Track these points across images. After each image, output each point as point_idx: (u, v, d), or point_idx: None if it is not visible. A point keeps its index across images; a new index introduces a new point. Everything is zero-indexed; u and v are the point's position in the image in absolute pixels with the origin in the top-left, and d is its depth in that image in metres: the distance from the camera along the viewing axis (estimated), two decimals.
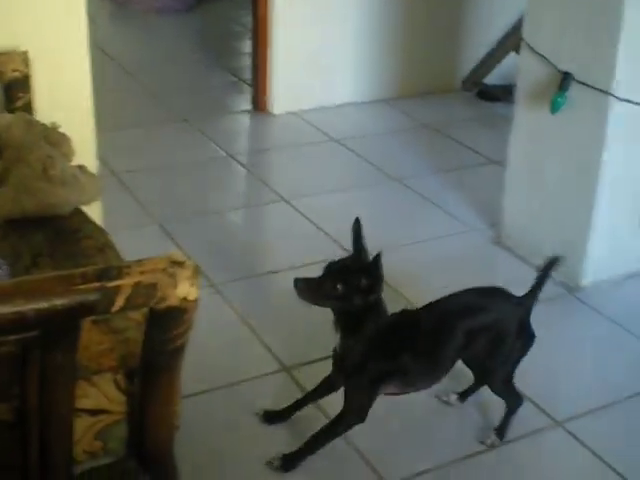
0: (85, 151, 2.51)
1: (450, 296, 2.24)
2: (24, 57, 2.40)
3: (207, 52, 5.59)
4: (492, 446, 2.29)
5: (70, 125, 2.39)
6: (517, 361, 2.24)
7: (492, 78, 4.90)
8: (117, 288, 1.24)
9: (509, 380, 2.26)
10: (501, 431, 2.31)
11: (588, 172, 2.90)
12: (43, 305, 1.20)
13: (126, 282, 1.24)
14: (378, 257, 1.99)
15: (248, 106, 4.63)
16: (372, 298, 2.04)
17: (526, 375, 2.35)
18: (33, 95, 2.43)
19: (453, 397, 2.44)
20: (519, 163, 3.19)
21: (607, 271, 3.04)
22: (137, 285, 1.25)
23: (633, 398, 2.53)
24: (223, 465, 2.21)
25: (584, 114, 2.86)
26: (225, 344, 2.67)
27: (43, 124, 2.31)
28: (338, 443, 2.19)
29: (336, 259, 2.09)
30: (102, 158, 3.53)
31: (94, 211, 2.43)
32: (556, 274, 2.32)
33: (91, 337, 1.60)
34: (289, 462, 2.18)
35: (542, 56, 2.95)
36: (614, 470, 2.25)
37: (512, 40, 4.53)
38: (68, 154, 2.31)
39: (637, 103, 2.78)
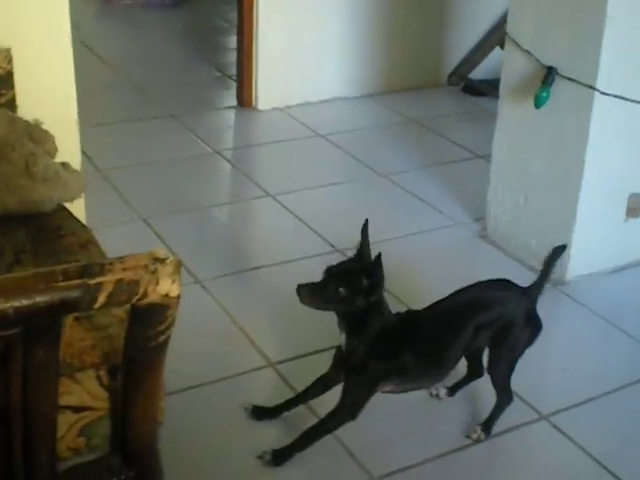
0: (68, 148, 2.50)
1: (455, 293, 2.25)
2: (6, 54, 2.39)
3: (193, 47, 5.58)
4: (478, 441, 2.30)
5: (53, 122, 2.38)
6: (522, 352, 2.26)
7: (477, 73, 4.91)
8: (99, 285, 1.24)
9: (511, 371, 2.27)
10: (488, 426, 2.32)
11: (572, 166, 2.91)
12: (24, 302, 1.19)
13: (108, 279, 1.24)
14: (379, 258, 2.00)
15: (233, 102, 4.62)
16: (374, 298, 2.06)
17: None
18: (16, 92, 2.42)
19: (443, 391, 2.44)
20: (504, 157, 3.19)
21: (592, 265, 3.05)
22: (119, 282, 1.25)
23: (618, 391, 2.54)
24: (213, 460, 2.21)
25: (568, 108, 2.87)
26: (211, 340, 2.67)
27: (26, 121, 2.30)
28: (326, 438, 2.19)
29: (334, 262, 2.10)
30: (87, 155, 3.54)
31: (78, 208, 2.42)
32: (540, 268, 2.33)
33: (74, 334, 1.60)
34: (280, 457, 2.18)
35: (526, 51, 2.95)
36: (599, 463, 2.26)
37: (497, 35, 4.54)
38: (51, 151, 2.30)
39: (621, 97, 2.79)
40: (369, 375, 2.13)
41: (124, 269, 1.25)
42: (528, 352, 2.27)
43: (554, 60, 2.86)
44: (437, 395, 2.44)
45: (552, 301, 2.85)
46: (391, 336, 2.12)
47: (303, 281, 2.05)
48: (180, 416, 2.25)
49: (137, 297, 1.28)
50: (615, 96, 2.78)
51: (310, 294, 2.04)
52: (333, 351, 2.21)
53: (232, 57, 4.86)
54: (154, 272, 1.27)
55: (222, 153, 4.04)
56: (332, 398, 2.17)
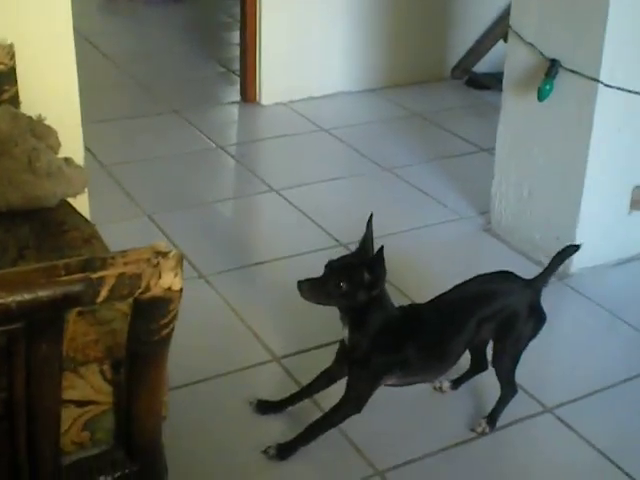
0: (71, 143, 2.50)
1: (458, 286, 2.24)
2: (9, 50, 2.39)
3: (196, 43, 5.58)
4: (483, 434, 2.30)
5: (56, 117, 2.39)
6: (526, 344, 2.25)
7: (481, 66, 4.90)
8: (101, 279, 1.24)
9: (515, 364, 2.26)
10: (492, 419, 2.31)
11: (576, 159, 2.90)
12: (27, 297, 1.20)
13: (110, 273, 1.24)
14: (381, 251, 1.99)
15: (237, 97, 4.62)
16: (375, 292, 2.05)
17: None
18: (19, 88, 2.42)
19: (446, 384, 2.44)
20: (508, 150, 3.19)
21: (596, 257, 3.05)
22: (121, 276, 1.25)
23: (623, 384, 2.53)
24: (217, 455, 2.21)
25: (572, 101, 2.87)
26: (215, 335, 2.67)
27: (29, 117, 2.30)
28: (330, 432, 2.19)
29: (335, 257, 2.09)
30: (91, 151, 3.55)
31: (81, 203, 2.43)
32: (545, 261, 2.32)
33: (77, 328, 1.60)
34: (285, 451, 2.18)
35: (529, 44, 2.95)
36: (604, 455, 2.26)
37: (500, 28, 4.53)
38: (54, 146, 2.30)
39: (624, 89, 2.78)
40: (372, 369, 2.13)
41: (126, 263, 1.25)
42: (532, 344, 2.27)
43: (557, 53, 2.85)
44: (440, 388, 2.44)
45: (556, 294, 2.85)
46: (394, 330, 2.12)
47: (307, 275, 2.05)
48: (184, 410, 2.26)
49: (140, 291, 1.28)
50: (618, 88, 2.77)
51: (311, 289, 2.03)
52: (337, 345, 2.21)
53: (235, 52, 4.86)
54: (156, 266, 1.27)
55: (226, 148, 4.04)
56: (336, 392, 2.17)
